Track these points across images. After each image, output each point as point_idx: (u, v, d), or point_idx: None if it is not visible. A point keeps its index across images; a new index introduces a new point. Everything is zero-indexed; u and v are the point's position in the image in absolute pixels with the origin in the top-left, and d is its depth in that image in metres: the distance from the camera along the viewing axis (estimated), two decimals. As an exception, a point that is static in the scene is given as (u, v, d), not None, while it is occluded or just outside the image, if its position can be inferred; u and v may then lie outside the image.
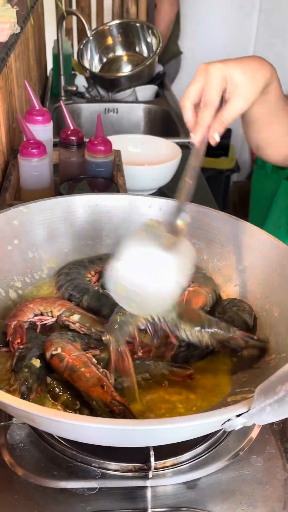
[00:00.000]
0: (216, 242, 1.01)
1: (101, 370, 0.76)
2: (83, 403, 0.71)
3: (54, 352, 0.75)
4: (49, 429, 0.68)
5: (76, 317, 0.85)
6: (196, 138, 0.83)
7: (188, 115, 0.86)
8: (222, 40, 3.33)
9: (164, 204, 1.03)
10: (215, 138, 0.83)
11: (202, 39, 3.31)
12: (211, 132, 0.83)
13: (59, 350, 0.76)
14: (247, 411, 0.57)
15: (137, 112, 2.40)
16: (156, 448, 0.67)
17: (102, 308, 0.89)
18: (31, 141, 1.21)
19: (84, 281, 0.95)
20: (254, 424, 0.76)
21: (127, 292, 0.78)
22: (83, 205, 1.03)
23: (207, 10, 3.28)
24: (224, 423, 0.59)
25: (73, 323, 0.86)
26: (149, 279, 0.76)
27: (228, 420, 0.59)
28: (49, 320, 0.86)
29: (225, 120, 0.84)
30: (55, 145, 1.42)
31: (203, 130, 0.83)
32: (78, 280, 0.94)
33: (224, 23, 3.31)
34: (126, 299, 0.79)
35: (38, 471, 0.69)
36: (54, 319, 0.87)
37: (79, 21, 2.57)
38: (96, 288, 0.94)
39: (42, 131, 1.31)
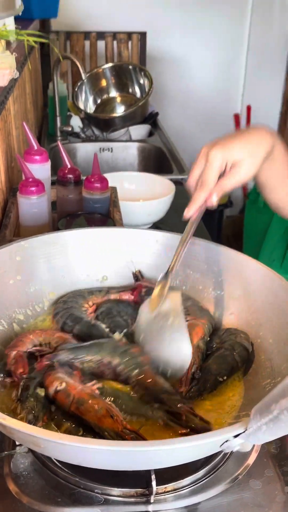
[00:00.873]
0: (211, 272, 1.02)
1: (107, 401, 0.76)
2: (86, 430, 0.71)
3: (59, 388, 0.75)
4: (54, 454, 0.68)
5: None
6: (188, 214, 0.88)
7: (191, 191, 0.91)
8: (215, 76, 3.42)
9: (160, 237, 1.05)
10: (213, 202, 0.87)
11: (195, 78, 3.35)
12: (210, 199, 0.87)
13: (63, 386, 0.75)
14: (244, 431, 0.58)
15: (131, 151, 2.43)
16: (157, 473, 0.68)
17: (92, 335, 0.90)
18: (30, 180, 1.23)
19: (80, 310, 0.95)
20: (252, 449, 0.78)
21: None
22: (82, 239, 1.04)
23: (199, 51, 3.32)
24: (222, 444, 0.60)
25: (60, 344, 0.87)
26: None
27: (226, 441, 0.59)
28: (47, 352, 0.86)
29: (225, 188, 0.88)
30: (52, 183, 1.43)
31: (197, 207, 0.87)
32: (74, 309, 0.95)
33: (215, 61, 3.37)
34: None
35: (42, 498, 0.69)
36: (51, 351, 0.86)
37: (73, 64, 2.61)
38: (90, 319, 0.95)
39: (40, 169, 1.32)
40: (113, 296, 1.01)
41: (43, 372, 0.80)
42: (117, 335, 0.92)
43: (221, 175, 0.89)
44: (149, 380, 0.80)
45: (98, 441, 0.59)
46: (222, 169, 0.88)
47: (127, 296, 1.01)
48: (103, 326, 0.94)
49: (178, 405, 0.75)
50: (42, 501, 0.68)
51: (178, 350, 0.87)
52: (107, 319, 0.96)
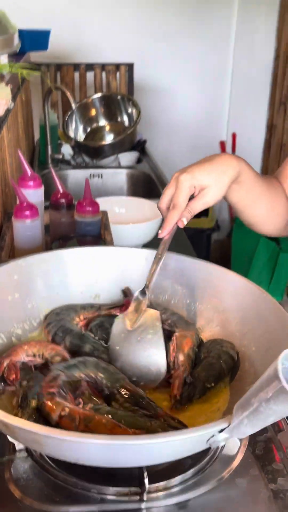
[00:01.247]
0: (198, 287, 1.04)
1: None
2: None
3: (63, 414, 0.74)
4: (54, 451, 0.69)
5: (57, 359, 0.87)
6: (163, 234, 0.92)
7: (164, 215, 0.94)
8: (201, 104, 3.47)
9: (149, 255, 1.06)
10: (183, 222, 0.91)
11: (182, 106, 3.39)
12: (181, 217, 0.91)
13: (67, 411, 0.74)
14: (227, 426, 0.61)
15: (120, 177, 2.47)
16: (149, 473, 0.70)
17: (84, 345, 0.92)
18: (24, 204, 1.25)
19: (71, 323, 0.97)
20: (238, 451, 0.80)
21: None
22: (76, 257, 1.06)
23: (185, 81, 3.37)
24: (208, 439, 0.63)
25: (52, 359, 0.87)
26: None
27: (212, 436, 0.62)
28: (39, 362, 0.87)
29: (193, 211, 0.92)
30: (46, 207, 1.46)
31: (170, 228, 0.91)
32: (65, 321, 0.96)
33: (201, 90, 3.43)
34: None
35: (42, 499, 0.70)
36: (42, 361, 0.88)
37: (64, 94, 2.65)
38: (79, 329, 0.98)
39: (34, 194, 1.35)
40: (104, 312, 1.03)
41: (40, 381, 0.80)
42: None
43: (192, 197, 0.93)
44: (130, 389, 0.82)
45: (94, 436, 0.61)
46: (191, 193, 0.92)
47: (117, 312, 1.02)
48: (93, 336, 0.97)
49: (158, 410, 0.78)
50: (43, 501, 0.70)
51: (155, 364, 0.90)
52: (100, 331, 0.97)
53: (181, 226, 0.91)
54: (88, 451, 0.63)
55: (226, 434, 0.63)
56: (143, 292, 0.94)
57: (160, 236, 0.93)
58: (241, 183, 0.99)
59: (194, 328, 1.00)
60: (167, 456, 0.69)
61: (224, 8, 3.24)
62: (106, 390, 0.82)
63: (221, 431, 0.62)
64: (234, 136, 3.57)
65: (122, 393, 0.81)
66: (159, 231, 0.93)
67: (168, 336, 0.95)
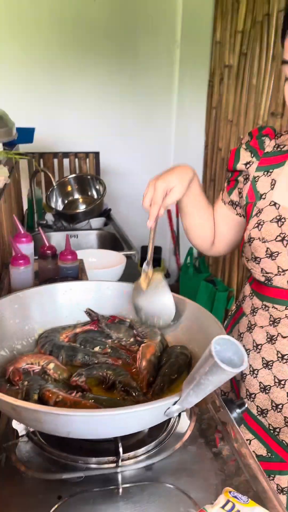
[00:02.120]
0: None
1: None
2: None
3: (57, 400, 0.77)
4: (50, 427, 0.69)
5: (51, 366, 0.89)
6: (150, 224, 0.95)
7: (147, 211, 0.96)
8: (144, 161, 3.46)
9: (116, 287, 1.10)
10: (161, 213, 0.94)
11: (137, 181, 3.23)
12: (160, 211, 0.94)
13: (60, 398, 0.77)
14: (179, 399, 0.65)
15: (92, 237, 2.50)
16: (123, 446, 0.74)
17: (77, 354, 0.94)
18: (19, 255, 1.28)
19: (59, 340, 0.98)
20: (187, 428, 0.84)
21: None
22: (62, 289, 1.08)
23: (139, 162, 3.38)
24: (166, 411, 0.67)
25: (49, 369, 0.88)
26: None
27: (168, 408, 0.66)
28: (36, 368, 0.89)
29: (166, 204, 0.95)
30: (35, 258, 1.46)
31: (154, 218, 0.95)
32: (55, 340, 0.97)
33: (151, 168, 3.29)
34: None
35: (41, 470, 0.73)
36: (39, 368, 0.89)
37: (46, 175, 2.71)
38: (68, 343, 0.98)
39: (26, 248, 1.37)
40: (78, 329, 1.04)
41: (37, 381, 0.83)
42: (97, 349, 0.97)
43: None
44: (125, 382, 0.84)
45: (79, 410, 0.66)
46: (165, 193, 0.94)
47: (92, 327, 1.04)
48: (81, 347, 0.98)
49: (141, 396, 0.82)
50: (42, 472, 0.73)
51: (165, 306, 0.98)
52: (88, 345, 0.99)
53: (160, 215, 0.95)
54: (76, 424, 0.66)
55: (178, 406, 0.66)
56: (147, 264, 1.00)
57: (148, 225, 0.96)
58: (191, 189, 1.02)
59: (160, 336, 1.00)
60: (135, 426, 0.73)
61: (166, 112, 3.32)
62: (110, 382, 0.86)
63: (174, 403, 0.66)
64: (177, 208, 3.54)
65: (120, 384, 0.84)
66: (148, 222, 0.96)
67: (138, 345, 0.98)
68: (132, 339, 1.02)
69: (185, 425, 0.85)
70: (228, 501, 0.62)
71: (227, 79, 2.90)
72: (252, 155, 1.02)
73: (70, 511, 0.67)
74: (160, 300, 0.98)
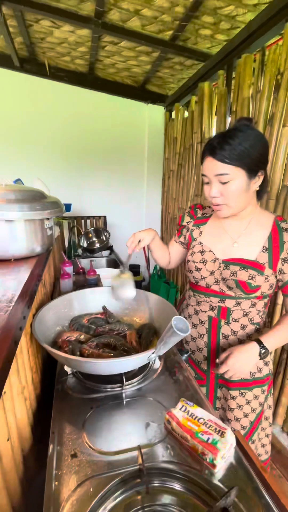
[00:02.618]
0: (139, 301, 0.99)
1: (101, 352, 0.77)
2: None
3: (88, 353, 0.75)
4: (82, 368, 0.68)
5: (82, 336, 0.84)
6: (129, 252, 0.90)
7: (128, 246, 0.90)
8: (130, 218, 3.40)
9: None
10: (136, 250, 0.89)
11: (126, 232, 3.17)
12: (135, 249, 0.89)
13: (90, 351, 0.76)
14: (154, 351, 0.65)
15: (103, 261, 2.45)
16: (126, 377, 0.74)
17: (90, 328, 0.89)
18: (65, 273, 1.27)
19: (82, 322, 0.92)
20: (159, 367, 0.82)
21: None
22: (89, 292, 1.01)
23: (129, 222, 3.19)
24: (148, 357, 0.67)
25: (81, 338, 0.84)
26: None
27: (149, 356, 0.67)
28: (72, 338, 0.84)
29: (140, 247, 0.89)
30: (73, 273, 1.42)
31: (131, 250, 0.89)
32: (80, 322, 0.91)
33: (134, 227, 3.20)
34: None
35: (79, 392, 0.72)
36: (74, 337, 0.84)
37: (78, 228, 2.67)
38: (87, 323, 0.92)
39: (68, 269, 1.33)
40: (93, 316, 0.96)
41: (77, 343, 0.81)
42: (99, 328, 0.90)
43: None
44: (123, 344, 0.81)
45: (100, 359, 0.64)
46: (138, 240, 0.89)
47: (101, 316, 0.97)
48: (92, 326, 0.91)
49: (132, 350, 0.80)
50: (79, 393, 0.72)
51: (129, 291, 0.91)
52: (93, 324, 0.92)
53: (135, 250, 0.90)
54: (100, 366, 0.66)
55: (155, 354, 0.67)
56: (123, 267, 0.94)
57: (128, 252, 0.91)
58: (154, 240, 0.97)
59: (133, 327, 0.94)
60: (132, 366, 0.72)
61: (140, 194, 3.20)
62: (113, 344, 0.83)
63: (152, 353, 0.67)
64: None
65: (119, 345, 0.82)
66: (128, 251, 0.91)
67: (123, 336, 0.87)
68: (120, 327, 0.93)
69: (157, 364, 0.84)
70: (183, 406, 0.62)
71: (172, 177, 2.95)
72: (190, 218, 1.01)
73: (97, 415, 0.66)
74: (126, 289, 0.91)
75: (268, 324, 0.95)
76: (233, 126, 0.76)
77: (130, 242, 0.91)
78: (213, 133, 2.23)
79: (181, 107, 2.70)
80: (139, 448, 0.55)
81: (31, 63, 2.48)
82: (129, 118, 2.96)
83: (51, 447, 0.59)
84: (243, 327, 0.90)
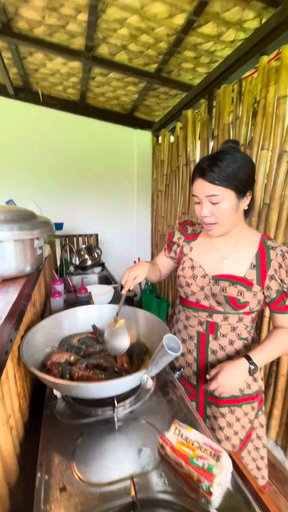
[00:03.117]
0: (129, 318, 0.94)
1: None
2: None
3: (78, 375, 0.71)
4: (73, 392, 0.63)
5: (72, 357, 0.80)
6: (123, 292, 0.84)
7: (124, 285, 0.84)
8: (125, 248, 3.25)
9: (109, 307, 0.99)
10: (131, 287, 0.83)
11: (118, 249, 3.17)
12: (130, 287, 0.83)
13: (80, 374, 0.71)
14: (146, 371, 0.62)
15: (94, 277, 2.36)
16: (117, 400, 0.69)
17: (80, 349, 0.84)
18: (56, 291, 1.23)
19: (72, 342, 0.87)
20: (151, 387, 0.77)
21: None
22: (80, 310, 0.97)
23: (121, 240, 3.16)
24: (140, 378, 0.63)
25: (71, 360, 0.79)
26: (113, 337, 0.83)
27: (141, 377, 0.63)
28: (62, 360, 0.79)
29: (135, 283, 0.84)
30: (64, 291, 1.39)
31: (126, 290, 0.83)
32: (70, 343, 0.86)
33: (126, 244, 3.21)
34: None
35: (69, 417, 0.67)
36: (64, 359, 0.79)
37: (70, 246, 2.66)
38: (77, 344, 0.87)
39: (59, 287, 1.31)
40: (84, 336, 0.91)
41: (67, 367, 0.76)
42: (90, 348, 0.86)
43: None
44: (114, 365, 0.78)
45: (91, 382, 0.59)
46: (133, 278, 0.84)
47: (91, 335, 0.92)
48: (82, 347, 0.85)
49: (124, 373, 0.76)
50: (70, 419, 0.67)
51: (123, 343, 0.84)
52: (84, 345, 0.87)
53: (131, 288, 0.84)
54: (90, 389, 0.61)
55: (147, 375, 0.63)
56: (116, 315, 0.87)
57: (122, 292, 0.85)
58: (149, 270, 0.91)
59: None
60: (124, 388, 0.67)
61: (131, 213, 3.20)
62: (103, 365, 0.79)
63: (144, 374, 0.63)
64: (139, 258, 3.42)
65: (110, 366, 0.78)
66: (122, 292, 0.85)
67: (113, 357, 0.82)
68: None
69: (150, 384, 0.80)
70: (176, 428, 0.58)
71: (160, 197, 2.98)
72: (181, 234, 1.00)
73: (88, 442, 0.61)
74: (120, 339, 0.84)
75: (256, 338, 0.92)
76: (220, 149, 0.77)
77: (125, 281, 0.84)
78: (197, 156, 2.29)
79: (167, 132, 2.78)
80: (131, 478, 0.50)
81: (25, 92, 2.52)
82: (119, 143, 3.03)
83: (38, 479, 0.53)
84: (231, 342, 0.88)
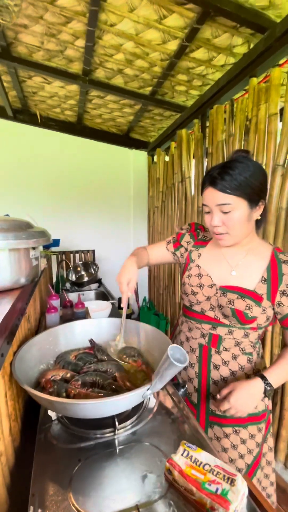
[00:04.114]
0: (133, 332, 0.92)
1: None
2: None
3: (75, 393, 0.66)
4: (69, 412, 0.58)
5: (68, 374, 0.75)
6: (122, 305, 0.81)
7: (122, 296, 0.81)
8: (118, 251, 3.31)
9: (107, 321, 0.96)
10: (129, 297, 0.80)
11: (115, 265, 3.11)
12: (128, 296, 0.80)
13: (77, 391, 0.66)
14: (150, 386, 0.58)
15: (91, 294, 2.31)
16: (118, 420, 0.64)
17: (78, 366, 0.80)
18: (51, 307, 1.19)
19: (69, 359, 0.83)
20: (155, 405, 0.73)
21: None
22: (77, 325, 0.93)
23: (117, 255, 3.13)
24: (142, 395, 0.59)
25: (67, 377, 0.74)
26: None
27: (144, 393, 0.59)
28: (58, 377, 0.74)
29: (132, 289, 0.79)
30: (60, 308, 1.36)
31: (125, 302, 0.81)
32: (66, 359, 0.82)
33: (119, 250, 3.14)
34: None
35: (67, 442, 0.61)
36: (60, 376, 0.74)
37: (66, 263, 2.64)
38: (74, 360, 0.82)
39: (55, 303, 1.29)
40: (81, 352, 0.87)
41: (62, 385, 0.71)
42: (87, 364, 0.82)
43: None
44: (110, 383, 0.72)
45: (88, 400, 0.55)
46: (128, 283, 0.80)
47: (89, 351, 0.88)
48: (79, 363, 0.81)
49: (122, 390, 0.71)
50: (67, 443, 0.61)
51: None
52: (82, 361, 0.82)
53: (129, 295, 0.80)
54: (88, 408, 0.56)
55: (150, 390, 0.59)
56: (120, 332, 0.87)
57: (122, 305, 0.81)
58: (135, 266, 0.85)
59: (141, 354, 0.86)
60: (125, 406, 0.62)
61: (127, 229, 3.22)
62: (99, 383, 0.73)
63: (147, 389, 0.59)
64: None
65: (106, 384, 0.72)
66: (122, 305, 0.81)
67: (113, 379, 0.76)
68: (108, 367, 0.82)
69: (152, 403, 0.75)
70: (184, 450, 0.53)
71: (156, 213, 3.01)
72: (191, 238, 0.95)
73: (86, 469, 0.56)
74: (121, 349, 0.85)
75: (262, 354, 0.87)
76: (231, 158, 0.75)
77: (123, 289, 0.80)
78: (192, 173, 2.34)
79: (162, 151, 2.86)
80: (137, 509, 0.44)
81: (23, 114, 2.60)
82: (115, 162, 3.10)
83: (30, 515, 0.47)
84: (234, 357, 0.83)
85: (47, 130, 2.74)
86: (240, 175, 0.70)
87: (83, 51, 1.74)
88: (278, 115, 1.50)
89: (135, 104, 2.32)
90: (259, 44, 1.49)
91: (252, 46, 1.56)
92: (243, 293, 0.78)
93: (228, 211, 0.72)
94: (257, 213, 0.76)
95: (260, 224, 0.81)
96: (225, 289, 0.81)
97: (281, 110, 1.55)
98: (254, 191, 0.72)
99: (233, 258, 0.83)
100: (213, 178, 0.73)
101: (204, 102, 1.99)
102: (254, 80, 1.61)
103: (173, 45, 1.63)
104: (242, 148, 0.94)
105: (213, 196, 0.73)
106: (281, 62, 1.50)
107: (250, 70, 1.59)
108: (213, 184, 0.73)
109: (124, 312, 0.83)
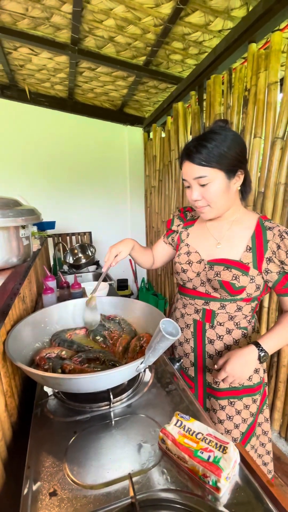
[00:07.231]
0: (126, 309, 0.92)
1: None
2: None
3: (70, 368, 0.67)
4: (64, 387, 0.58)
5: (63, 352, 0.75)
6: (104, 270, 0.85)
7: (105, 262, 0.84)
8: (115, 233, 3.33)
9: (106, 299, 0.95)
10: (113, 265, 0.83)
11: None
12: (111, 264, 0.83)
13: (72, 367, 0.67)
14: (143, 360, 0.58)
15: (89, 275, 2.29)
16: (113, 394, 0.65)
17: (73, 345, 0.79)
18: (48, 287, 1.18)
19: (64, 337, 0.82)
20: (150, 379, 0.73)
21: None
22: (71, 304, 0.92)
23: (114, 237, 3.09)
24: (136, 368, 0.59)
25: (62, 354, 0.74)
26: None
27: (137, 366, 0.59)
28: (53, 354, 0.74)
29: (117, 261, 0.84)
30: (57, 290, 1.36)
31: (106, 268, 0.83)
32: (62, 337, 0.82)
33: (116, 231, 3.10)
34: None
35: (61, 415, 0.62)
36: (55, 354, 0.74)
37: (63, 245, 2.62)
38: (69, 338, 0.83)
39: (52, 284, 1.28)
40: (76, 331, 0.87)
41: (57, 362, 0.71)
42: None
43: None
44: (108, 357, 0.73)
45: (83, 374, 0.54)
46: (116, 254, 0.84)
47: (82, 331, 0.87)
48: (75, 341, 0.82)
49: (117, 363, 0.72)
50: (62, 416, 0.62)
51: (96, 317, 0.87)
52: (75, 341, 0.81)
53: (112, 266, 0.84)
54: (82, 382, 0.56)
55: (143, 364, 0.59)
56: (93, 292, 0.91)
57: (103, 270, 0.84)
58: (134, 248, 0.91)
59: (131, 328, 0.87)
60: (120, 380, 0.63)
61: (124, 210, 3.18)
62: (102, 359, 0.73)
63: (141, 363, 0.59)
64: (130, 260, 3.48)
65: (103, 358, 0.73)
66: (103, 269, 0.84)
67: (117, 338, 0.82)
68: (118, 329, 0.87)
69: (148, 376, 0.76)
70: (178, 420, 0.53)
71: (154, 193, 2.96)
72: (180, 221, 0.96)
73: (82, 440, 0.56)
74: (93, 314, 0.88)
75: (257, 328, 0.87)
76: (208, 128, 0.74)
77: (107, 258, 0.84)
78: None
79: (158, 127, 2.74)
80: (129, 477, 0.45)
81: (12, 90, 2.46)
82: (109, 139, 2.99)
83: (25, 485, 0.48)
84: (229, 331, 0.84)
85: (38, 107, 2.61)
86: (216, 147, 0.69)
87: (70, 18, 1.61)
88: (278, 84, 1.41)
89: (129, 76, 2.19)
90: (258, 6, 1.38)
91: (251, 8, 1.45)
92: (228, 264, 0.78)
93: (206, 183, 0.72)
94: (236, 184, 0.75)
95: (245, 195, 0.80)
96: (212, 263, 0.82)
97: (281, 80, 1.46)
98: (231, 161, 0.71)
99: (218, 231, 0.83)
100: (189, 151, 0.72)
101: (201, 72, 1.88)
102: (254, 46, 1.50)
103: (167, 8, 1.51)
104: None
105: (190, 169, 0.73)
106: (282, 26, 1.40)
107: (249, 35, 1.48)
108: (189, 157, 0.72)
109: (102, 276, 0.88)
